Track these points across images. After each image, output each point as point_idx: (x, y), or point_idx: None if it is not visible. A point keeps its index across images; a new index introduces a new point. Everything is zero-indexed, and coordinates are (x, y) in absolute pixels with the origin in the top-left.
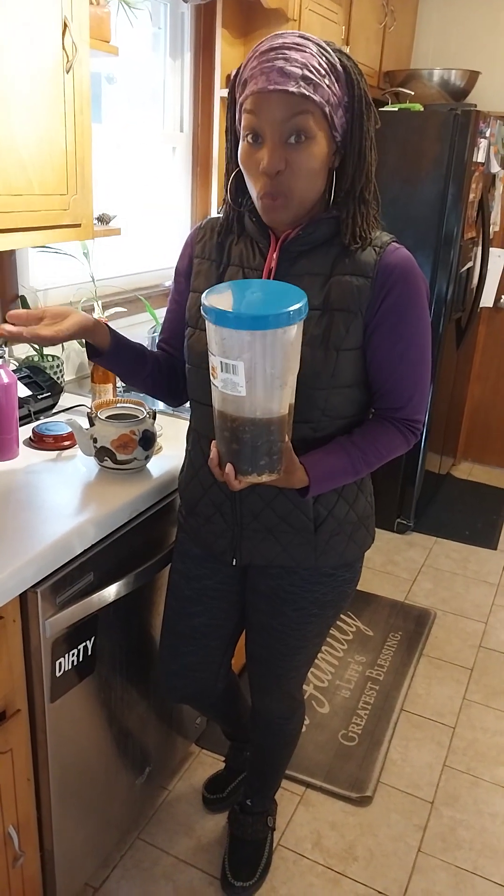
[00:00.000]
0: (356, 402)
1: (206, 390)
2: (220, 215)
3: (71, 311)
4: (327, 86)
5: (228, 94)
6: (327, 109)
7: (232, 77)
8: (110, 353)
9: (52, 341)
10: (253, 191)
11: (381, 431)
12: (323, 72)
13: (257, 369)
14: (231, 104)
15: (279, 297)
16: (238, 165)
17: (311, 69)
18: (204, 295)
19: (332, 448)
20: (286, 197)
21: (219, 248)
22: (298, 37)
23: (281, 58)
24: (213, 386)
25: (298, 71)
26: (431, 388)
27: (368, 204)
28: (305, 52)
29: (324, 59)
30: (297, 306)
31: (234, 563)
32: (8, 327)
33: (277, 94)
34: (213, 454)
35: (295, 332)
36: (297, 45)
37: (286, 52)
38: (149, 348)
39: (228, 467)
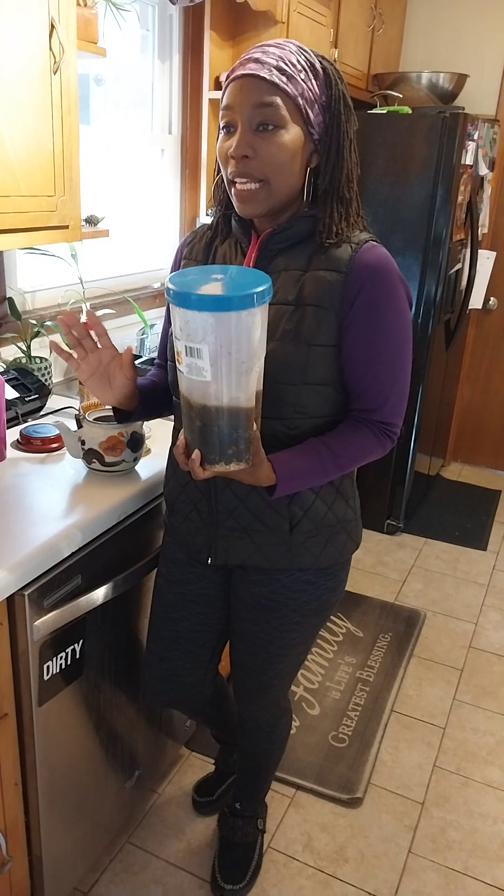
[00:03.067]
0: (332, 401)
1: None
2: (210, 223)
3: (115, 370)
4: (302, 80)
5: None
6: (300, 102)
7: (224, 85)
8: (137, 412)
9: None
10: (227, 181)
11: (355, 434)
12: (299, 67)
13: (222, 353)
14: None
15: (243, 281)
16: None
17: (287, 62)
18: (168, 277)
19: (302, 448)
20: (259, 186)
21: (206, 250)
22: (283, 40)
23: (258, 51)
24: (178, 372)
25: (273, 61)
26: (421, 390)
27: (348, 203)
28: (284, 49)
29: (302, 56)
30: (260, 289)
31: (209, 562)
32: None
33: (249, 78)
34: (179, 441)
35: (259, 316)
36: (278, 43)
37: (265, 47)
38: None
39: (195, 453)
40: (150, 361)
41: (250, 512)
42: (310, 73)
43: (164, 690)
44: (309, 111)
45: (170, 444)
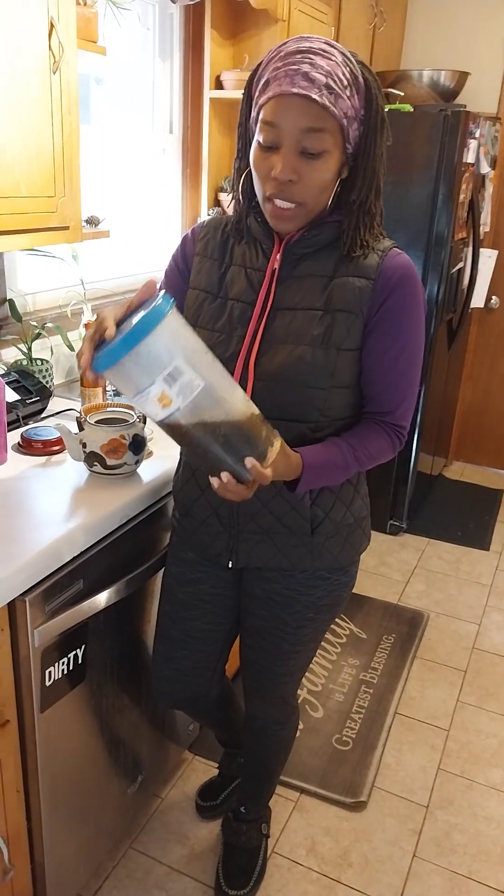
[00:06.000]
0: (353, 403)
1: None
2: (226, 214)
3: None
4: (348, 97)
5: (245, 90)
6: (344, 122)
7: (251, 74)
8: None
9: None
10: (260, 192)
11: (370, 433)
12: (346, 82)
13: (198, 351)
14: (247, 101)
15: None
16: (249, 165)
17: (336, 78)
18: (99, 360)
19: (325, 443)
20: (297, 207)
21: (222, 248)
22: (325, 43)
23: (307, 62)
24: (177, 419)
25: (323, 78)
26: (423, 389)
27: (374, 216)
28: (331, 59)
29: (347, 69)
30: (159, 299)
31: (230, 566)
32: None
33: (300, 98)
34: (226, 480)
35: (173, 315)
36: (324, 51)
37: (312, 56)
38: None
39: (251, 462)
40: None
41: (273, 515)
42: (354, 88)
43: (171, 691)
44: (349, 129)
45: (173, 448)
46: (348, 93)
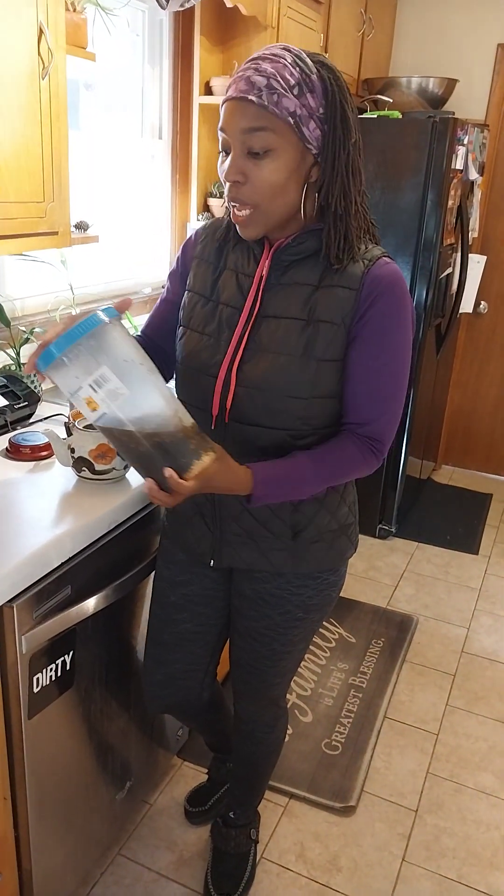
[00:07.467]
0: (337, 413)
1: (192, 389)
2: (224, 218)
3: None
4: (295, 96)
5: None
6: (292, 121)
7: None
8: None
9: None
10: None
11: (339, 446)
12: (293, 82)
13: (129, 360)
14: None
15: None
16: None
17: (280, 79)
18: (40, 358)
19: (286, 458)
20: (252, 210)
21: (217, 252)
22: (281, 48)
23: (252, 68)
24: (105, 423)
25: (264, 80)
26: (412, 394)
27: (346, 220)
28: (278, 62)
29: (297, 69)
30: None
31: (212, 564)
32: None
33: (239, 101)
34: (150, 486)
35: (111, 326)
36: (274, 55)
37: (259, 62)
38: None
39: (168, 472)
40: None
41: (255, 518)
42: (304, 87)
43: (162, 695)
44: (303, 128)
45: None
46: (296, 91)
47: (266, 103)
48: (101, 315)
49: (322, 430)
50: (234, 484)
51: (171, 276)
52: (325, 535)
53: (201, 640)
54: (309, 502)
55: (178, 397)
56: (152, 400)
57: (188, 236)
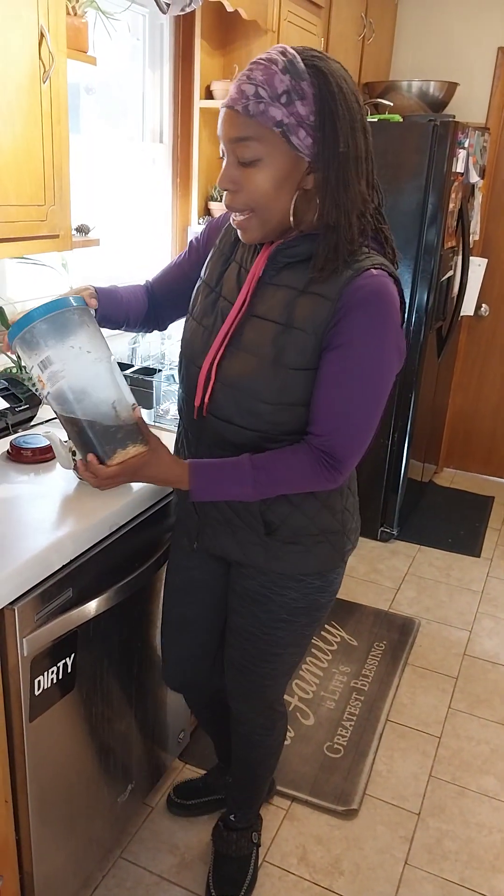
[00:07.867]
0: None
1: (184, 377)
2: None
3: None
4: (282, 105)
5: None
6: (279, 130)
7: None
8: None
9: None
10: None
11: (290, 454)
12: (280, 91)
13: (58, 351)
14: None
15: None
16: None
17: (266, 88)
18: (8, 334)
19: (230, 460)
20: (248, 216)
21: (232, 245)
22: (277, 52)
23: (245, 75)
24: (49, 401)
25: (252, 89)
26: (413, 397)
27: (338, 231)
28: (270, 69)
29: (287, 76)
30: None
31: (195, 547)
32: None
33: (227, 111)
34: (79, 464)
35: (69, 312)
36: (266, 62)
37: (252, 69)
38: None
39: (90, 457)
40: (142, 370)
41: (230, 508)
42: (294, 94)
43: (174, 674)
44: (292, 136)
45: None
46: (283, 100)
47: (252, 113)
48: (59, 302)
49: (294, 437)
50: (170, 476)
51: (191, 244)
52: (303, 539)
53: (205, 626)
54: (279, 502)
55: (179, 384)
56: (91, 388)
57: (219, 217)
